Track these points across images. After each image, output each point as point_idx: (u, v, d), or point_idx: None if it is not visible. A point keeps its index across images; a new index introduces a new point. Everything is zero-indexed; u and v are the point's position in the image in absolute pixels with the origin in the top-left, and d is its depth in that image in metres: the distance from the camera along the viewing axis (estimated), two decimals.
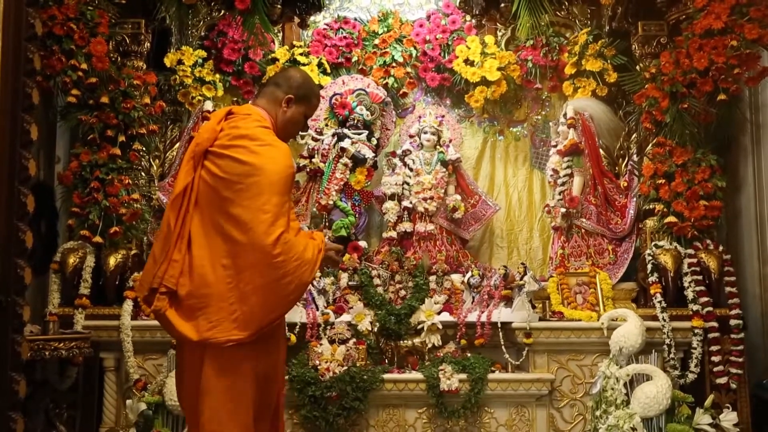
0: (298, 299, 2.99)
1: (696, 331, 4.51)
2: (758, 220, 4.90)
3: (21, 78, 3.00)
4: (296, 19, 5.57)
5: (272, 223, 2.81)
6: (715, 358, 4.50)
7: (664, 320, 4.51)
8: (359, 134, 5.26)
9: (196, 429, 2.85)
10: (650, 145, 4.93)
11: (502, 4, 5.43)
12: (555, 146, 5.23)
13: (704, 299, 4.55)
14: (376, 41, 5.53)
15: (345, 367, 4.41)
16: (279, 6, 5.39)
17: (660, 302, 4.57)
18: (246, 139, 2.93)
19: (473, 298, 4.82)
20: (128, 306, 4.45)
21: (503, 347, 4.60)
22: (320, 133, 5.32)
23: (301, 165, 5.31)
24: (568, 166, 5.06)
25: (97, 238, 4.59)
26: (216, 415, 2.83)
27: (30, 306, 3.17)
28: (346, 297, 4.80)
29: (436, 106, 5.55)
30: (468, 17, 5.55)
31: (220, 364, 2.81)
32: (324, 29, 5.56)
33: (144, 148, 4.85)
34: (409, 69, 5.52)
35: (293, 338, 4.57)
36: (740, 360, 4.51)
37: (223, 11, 5.39)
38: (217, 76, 5.32)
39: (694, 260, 4.63)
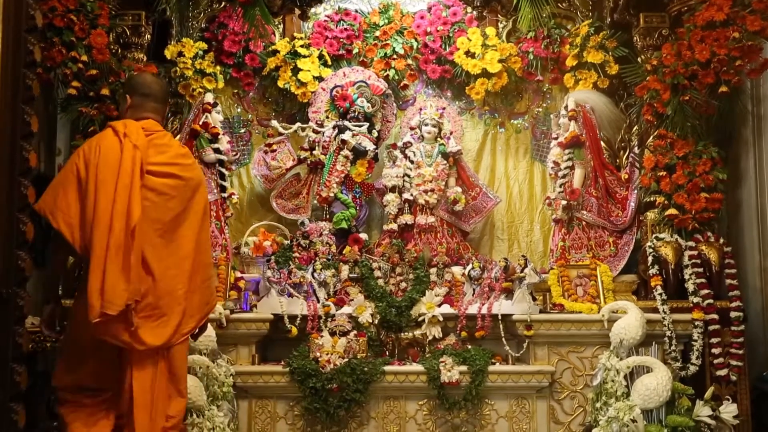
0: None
1: (696, 323, 4.51)
2: (759, 212, 4.89)
3: (21, 70, 3.00)
4: (297, 11, 5.55)
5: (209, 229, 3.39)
6: (716, 351, 4.50)
7: (665, 312, 4.51)
8: (360, 126, 5.25)
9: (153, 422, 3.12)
10: (651, 137, 4.92)
11: None
12: (556, 138, 5.23)
13: (705, 291, 4.55)
14: (377, 33, 5.52)
15: (346, 359, 4.42)
16: None
17: (660, 294, 4.57)
18: (184, 157, 3.34)
19: (474, 290, 4.82)
20: None
21: (504, 339, 4.61)
22: (321, 125, 5.31)
23: (302, 157, 5.31)
24: (569, 159, 5.05)
25: None
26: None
27: (31, 298, 3.18)
28: (347, 289, 4.81)
29: (437, 98, 5.54)
30: (469, 9, 5.53)
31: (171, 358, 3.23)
32: (325, 21, 5.55)
33: None
34: (410, 61, 5.51)
35: (294, 330, 4.58)
36: (740, 352, 4.51)
37: (223, 3, 5.38)
38: (218, 68, 5.32)
39: (695, 252, 4.63)
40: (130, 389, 3.06)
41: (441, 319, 4.70)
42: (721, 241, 4.70)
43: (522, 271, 4.65)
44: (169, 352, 3.19)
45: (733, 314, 4.54)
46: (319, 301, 4.73)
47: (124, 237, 3.02)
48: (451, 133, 5.34)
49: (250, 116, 5.58)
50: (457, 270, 4.95)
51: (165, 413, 3.15)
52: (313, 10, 5.59)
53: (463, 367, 4.42)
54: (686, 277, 4.60)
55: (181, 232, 3.21)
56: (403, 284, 4.85)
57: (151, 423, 3.08)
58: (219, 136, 5.13)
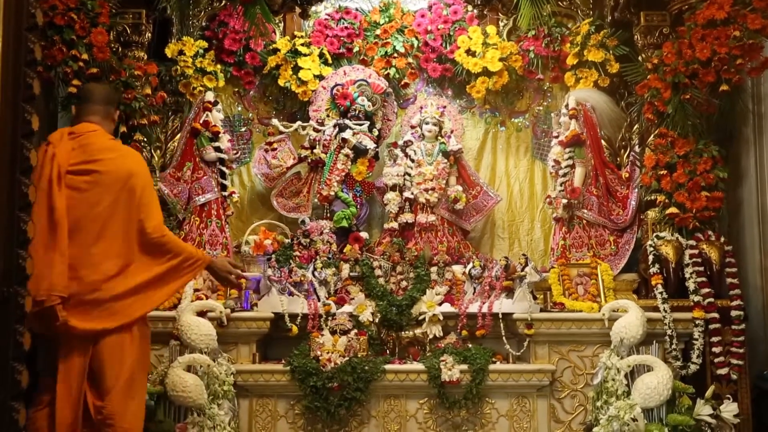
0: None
1: (697, 322, 4.51)
2: (760, 211, 4.89)
3: (22, 68, 2.99)
4: (297, 9, 5.55)
5: (157, 216, 3.46)
6: (716, 349, 4.50)
7: (665, 311, 4.51)
8: (361, 125, 5.25)
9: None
10: (652, 135, 4.92)
11: None
12: (557, 137, 5.22)
13: (705, 290, 4.55)
14: (378, 31, 5.51)
15: (346, 358, 4.42)
16: None
17: (661, 293, 4.57)
18: (109, 151, 3.46)
19: (474, 289, 4.82)
20: None
21: (504, 338, 4.60)
22: (321, 124, 5.31)
23: (302, 156, 5.30)
24: (569, 157, 5.05)
25: None
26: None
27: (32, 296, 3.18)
28: (348, 288, 4.81)
29: (438, 96, 5.54)
30: (470, 7, 5.52)
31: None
32: (325, 19, 5.54)
33: (145, 139, 4.84)
34: (410, 59, 5.50)
35: (295, 329, 4.58)
36: (741, 351, 4.51)
37: (224, 1, 5.37)
38: (219, 66, 5.31)
39: (696, 251, 4.63)
40: (55, 376, 3.23)
41: (441, 317, 4.71)
42: (722, 239, 4.70)
43: (523, 270, 4.65)
44: (100, 343, 3.31)
45: (733, 313, 4.54)
46: (319, 300, 4.73)
47: (45, 237, 3.20)
48: (451, 131, 5.34)
49: (250, 115, 5.58)
50: (457, 269, 4.95)
51: (93, 403, 3.29)
52: (313, 8, 5.59)
53: (464, 366, 4.42)
54: (687, 275, 4.60)
55: (112, 223, 3.36)
56: (404, 283, 4.85)
57: (72, 413, 3.25)
58: (219, 135, 5.14)
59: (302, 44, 5.40)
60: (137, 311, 3.39)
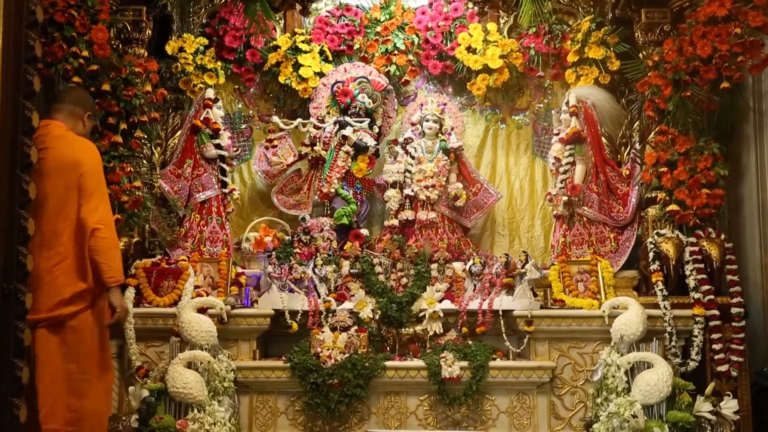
0: None
1: (697, 319, 4.51)
2: (760, 208, 4.89)
3: (22, 65, 3.00)
4: (298, 6, 5.55)
5: (103, 206, 3.58)
6: (716, 346, 4.51)
7: (666, 308, 4.51)
8: (361, 122, 5.25)
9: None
10: (653, 133, 4.92)
11: None
12: (557, 134, 5.22)
13: (706, 287, 4.55)
14: (378, 28, 5.51)
15: (347, 355, 4.42)
16: None
17: (661, 290, 4.57)
18: (58, 140, 3.57)
19: (475, 286, 4.82)
20: (130, 293, 4.46)
21: (504, 335, 4.61)
22: (322, 121, 5.31)
23: (302, 153, 5.31)
24: (570, 155, 5.05)
25: None
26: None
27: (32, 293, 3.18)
28: (348, 285, 4.81)
29: (438, 93, 5.54)
30: (470, 4, 5.53)
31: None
32: (326, 16, 5.54)
33: (145, 136, 4.84)
34: (411, 56, 5.50)
35: (295, 326, 4.59)
36: (741, 348, 4.51)
37: None
38: (219, 63, 5.32)
39: (696, 248, 4.63)
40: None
41: (442, 314, 4.71)
42: (722, 237, 4.69)
43: (523, 267, 4.65)
44: (36, 334, 3.41)
45: (733, 310, 4.54)
46: (320, 297, 4.73)
47: None
48: (452, 128, 5.34)
49: (251, 112, 5.58)
50: (458, 266, 4.95)
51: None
52: (314, 5, 5.59)
53: (464, 363, 4.43)
54: (687, 273, 4.61)
55: (54, 208, 3.48)
56: (404, 280, 4.85)
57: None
58: (220, 132, 5.14)
59: (303, 41, 5.40)
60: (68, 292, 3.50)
